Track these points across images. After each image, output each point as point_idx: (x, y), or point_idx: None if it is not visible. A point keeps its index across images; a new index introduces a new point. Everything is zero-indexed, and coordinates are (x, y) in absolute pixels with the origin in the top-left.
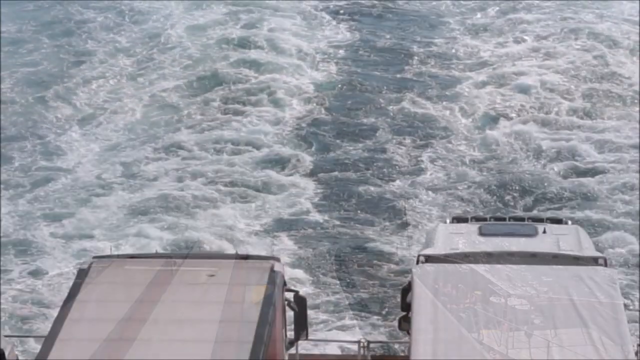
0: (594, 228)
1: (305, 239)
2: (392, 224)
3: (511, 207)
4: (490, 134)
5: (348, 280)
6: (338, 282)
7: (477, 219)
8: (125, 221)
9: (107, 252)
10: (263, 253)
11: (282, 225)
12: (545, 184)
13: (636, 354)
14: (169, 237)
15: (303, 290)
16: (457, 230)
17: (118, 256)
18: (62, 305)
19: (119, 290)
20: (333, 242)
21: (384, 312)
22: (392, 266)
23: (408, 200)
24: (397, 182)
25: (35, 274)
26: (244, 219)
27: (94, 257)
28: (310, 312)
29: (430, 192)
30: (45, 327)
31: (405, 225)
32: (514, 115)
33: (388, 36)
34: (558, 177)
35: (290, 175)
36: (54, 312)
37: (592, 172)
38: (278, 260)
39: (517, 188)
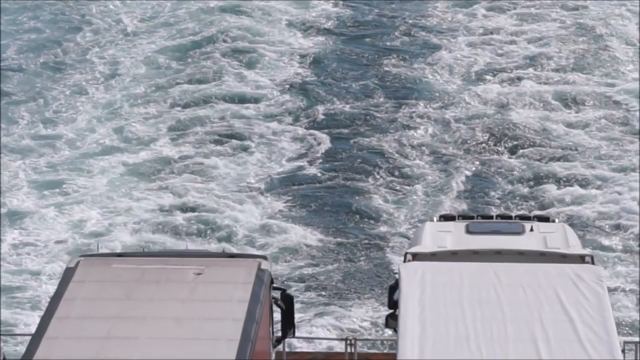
0: (579, 181)
1: (299, 199)
2: (384, 182)
3: (496, 158)
4: (476, 92)
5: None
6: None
7: (465, 217)
8: (123, 187)
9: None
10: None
11: (277, 181)
12: (530, 138)
13: (623, 351)
14: (166, 201)
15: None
16: (445, 229)
17: (105, 254)
18: (49, 303)
19: (106, 288)
20: (325, 203)
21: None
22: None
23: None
24: (389, 137)
25: (29, 245)
26: (239, 176)
27: (81, 256)
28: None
29: (420, 149)
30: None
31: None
32: (500, 74)
33: (377, 10)
34: (543, 131)
35: (284, 130)
36: (41, 289)
37: (580, 125)
38: (265, 258)
39: (502, 142)
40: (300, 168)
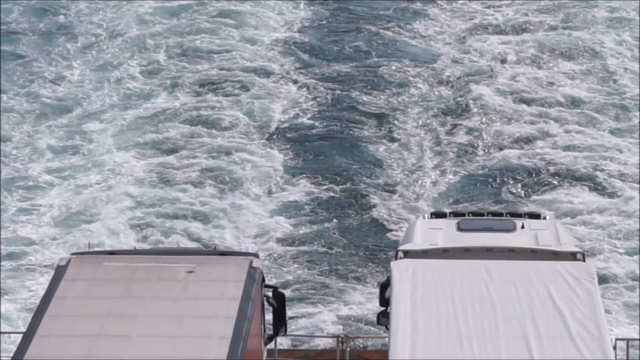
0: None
1: (296, 148)
2: (379, 134)
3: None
4: (466, 53)
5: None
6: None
7: (456, 214)
8: (124, 144)
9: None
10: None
11: (276, 132)
12: (520, 95)
13: (614, 348)
14: (168, 155)
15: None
16: (436, 226)
17: (97, 252)
18: (41, 302)
19: (98, 286)
20: (321, 153)
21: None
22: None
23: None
24: (382, 94)
25: (30, 211)
26: (238, 127)
27: (73, 254)
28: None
29: (412, 105)
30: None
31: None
32: (490, 33)
33: None
34: (533, 87)
35: (282, 84)
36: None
37: (574, 77)
38: (257, 256)
39: (492, 98)
40: (298, 119)
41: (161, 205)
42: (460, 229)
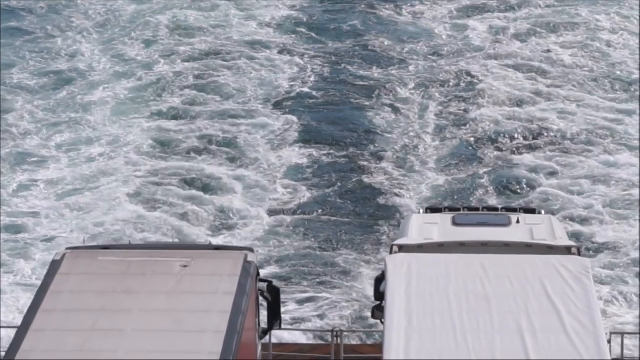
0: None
1: (296, 115)
2: (376, 105)
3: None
4: (463, 32)
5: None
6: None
7: (451, 209)
8: (125, 115)
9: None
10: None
11: (276, 99)
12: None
13: (609, 342)
14: (170, 122)
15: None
16: (431, 220)
17: (91, 247)
18: (35, 296)
19: (93, 281)
20: (320, 119)
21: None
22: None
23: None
24: (382, 68)
25: (30, 185)
26: (239, 93)
27: (67, 248)
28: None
29: (411, 79)
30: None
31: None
32: (487, 11)
33: None
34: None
35: (279, 56)
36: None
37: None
38: (251, 250)
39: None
40: (298, 90)
41: (162, 174)
42: (455, 223)
